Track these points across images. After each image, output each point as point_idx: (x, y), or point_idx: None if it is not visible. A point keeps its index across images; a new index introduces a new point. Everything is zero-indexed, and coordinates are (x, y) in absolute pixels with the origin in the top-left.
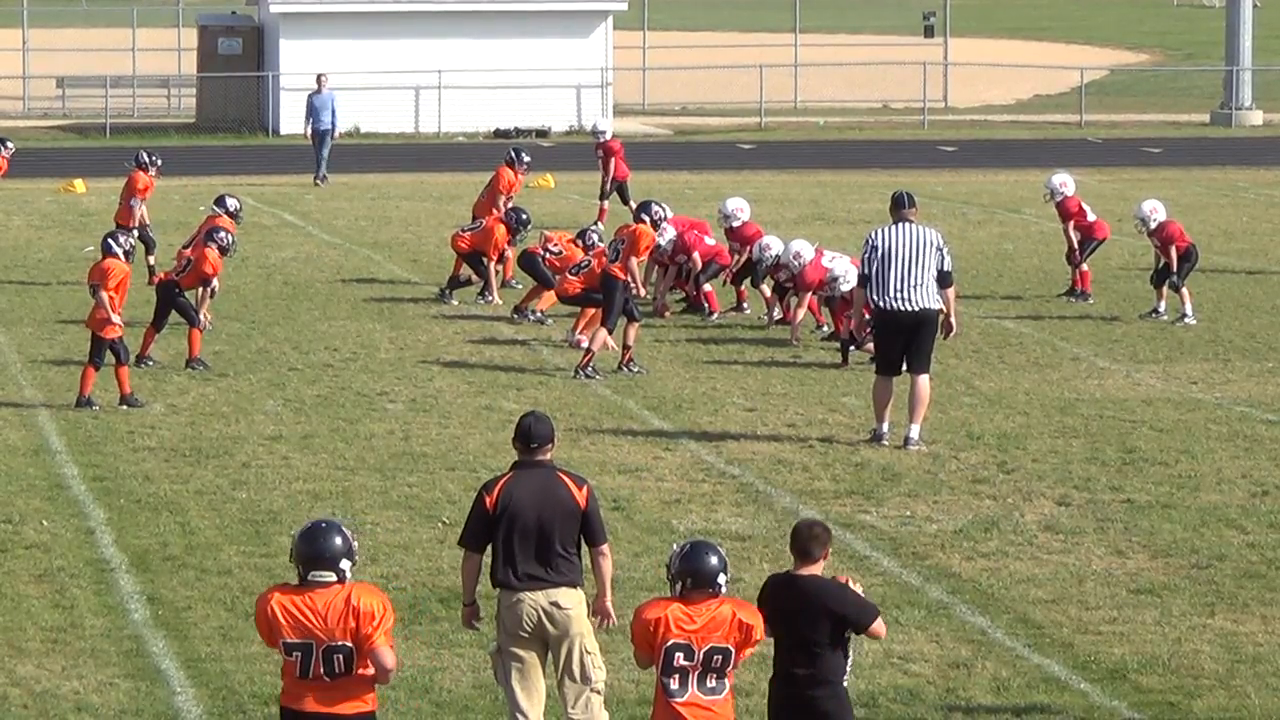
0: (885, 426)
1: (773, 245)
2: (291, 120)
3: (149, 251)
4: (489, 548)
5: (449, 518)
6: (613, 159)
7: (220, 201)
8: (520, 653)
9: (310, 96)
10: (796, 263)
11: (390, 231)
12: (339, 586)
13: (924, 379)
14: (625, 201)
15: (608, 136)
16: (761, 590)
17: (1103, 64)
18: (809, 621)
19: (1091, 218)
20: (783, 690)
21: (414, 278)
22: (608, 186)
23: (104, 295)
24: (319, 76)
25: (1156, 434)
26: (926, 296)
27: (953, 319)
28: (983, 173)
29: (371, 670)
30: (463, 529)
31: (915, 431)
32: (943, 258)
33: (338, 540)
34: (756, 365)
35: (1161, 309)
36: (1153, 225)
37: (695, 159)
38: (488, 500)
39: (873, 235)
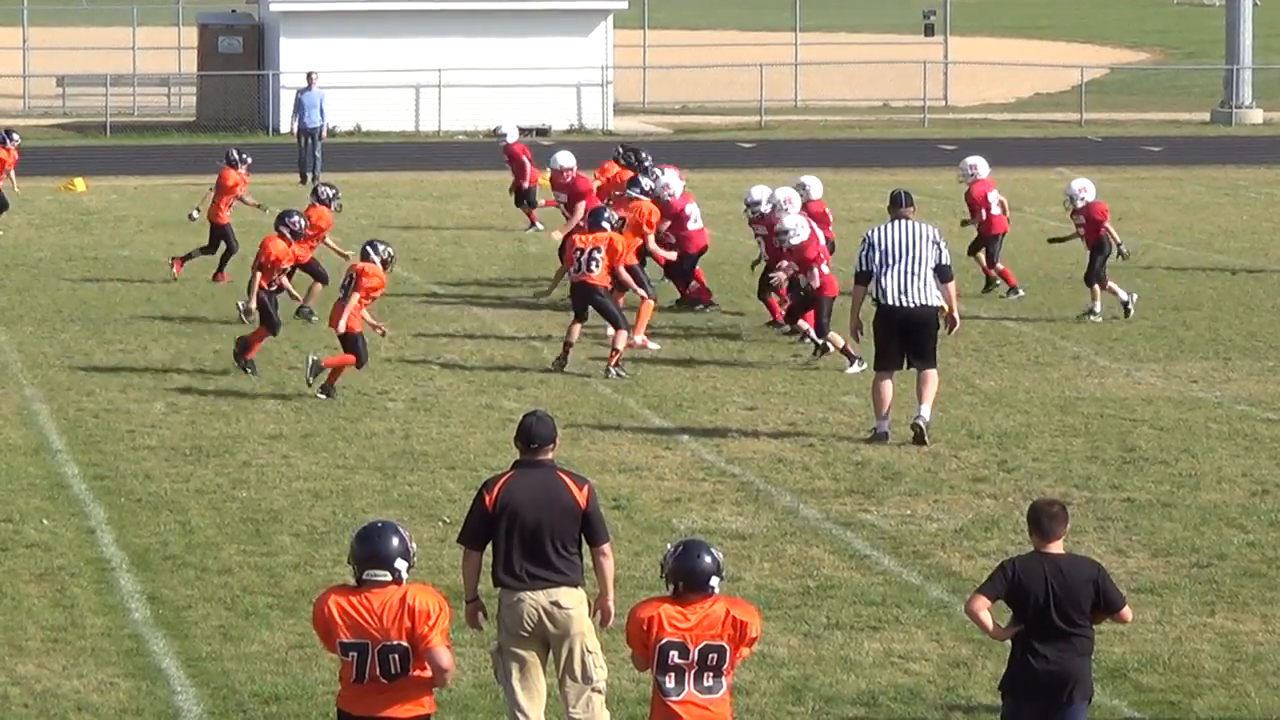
0: (886, 424)
1: (754, 192)
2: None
3: (230, 252)
4: (489, 546)
5: (449, 517)
6: (524, 163)
7: (315, 193)
8: (521, 652)
9: (299, 94)
10: (789, 208)
11: (390, 231)
12: (395, 586)
13: (932, 371)
14: (528, 204)
15: (510, 140)
16: (1002, 573)
17: (1103, 62)
18: (1068, 596)
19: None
20: (1037, 667)
21: (414, 277)
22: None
23: (354, 296)
24: (309, 74)
25: (1157, 433)
26: (925, 292)
27: (955, 313)
28: None
29: (429, 672)
30: (462, 527)
31: (926, 411)
32: (940, 251)
33: (394, 540)
34: (756, 364)
35: (1097, 308)
36: (1079, 204)
37: (695, 158)
38: (487, 499)
39: (870, 233)
